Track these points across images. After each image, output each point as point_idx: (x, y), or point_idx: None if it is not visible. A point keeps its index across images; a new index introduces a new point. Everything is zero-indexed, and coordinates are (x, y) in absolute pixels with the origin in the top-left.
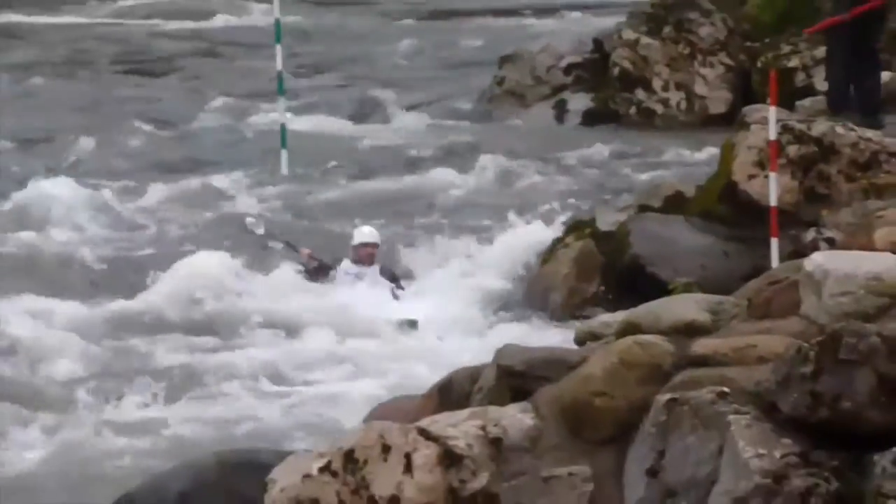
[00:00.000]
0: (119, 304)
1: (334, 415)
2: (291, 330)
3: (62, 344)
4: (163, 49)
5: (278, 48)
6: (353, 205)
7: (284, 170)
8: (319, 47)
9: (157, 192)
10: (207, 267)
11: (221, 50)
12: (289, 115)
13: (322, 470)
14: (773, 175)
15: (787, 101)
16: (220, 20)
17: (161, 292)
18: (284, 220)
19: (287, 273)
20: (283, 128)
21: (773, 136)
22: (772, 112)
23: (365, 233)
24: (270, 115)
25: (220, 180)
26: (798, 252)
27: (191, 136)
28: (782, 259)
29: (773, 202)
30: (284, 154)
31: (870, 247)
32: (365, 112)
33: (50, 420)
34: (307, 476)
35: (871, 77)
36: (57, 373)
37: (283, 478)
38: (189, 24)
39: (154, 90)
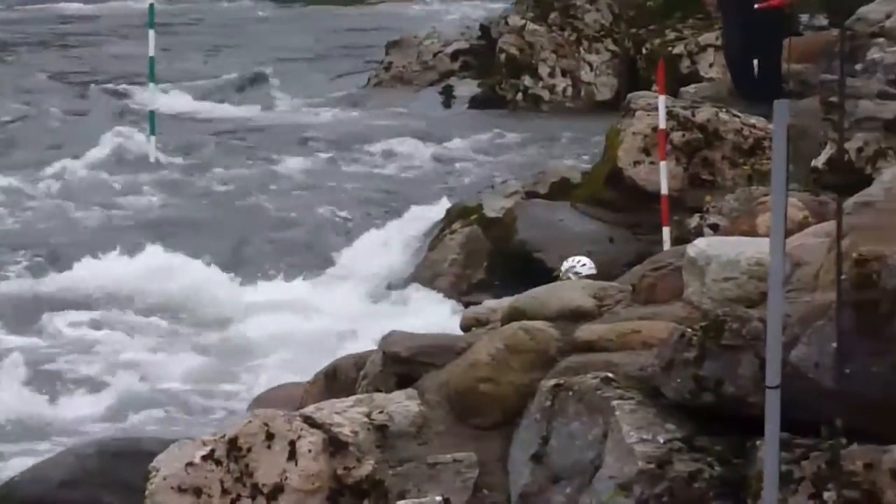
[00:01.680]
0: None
1: (218, 402)
2: (174, 316)
3: None
4: (28, 33)
5: (151, 33)
6: (230, 191)
7: (152, 157)
8: (200, 32)
9: (19, 178)
10: (85, 251)
11: (92, 35)
12: (160, 100)
13: (205, 458)
14: (663, 164)
15: (672, 87)
16: (88, 5)
17: (34, 277)
18: (151, 207)
19: (162, 256)
20: (151, 115)
21: (662, 124)
22: (661, 100)
23: None
24: (140, 102)
25: (85, 168)
26: (683, 238)
27: (56, 123)
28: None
29: (664, 190)
30: (153, 141)
31: (753, 232)
32: (247, 97)
33: None
34: (190, 464)
35: (771, 68)
36: None
37: (165, 466)
38: (59, 7)
39: (21, 76)
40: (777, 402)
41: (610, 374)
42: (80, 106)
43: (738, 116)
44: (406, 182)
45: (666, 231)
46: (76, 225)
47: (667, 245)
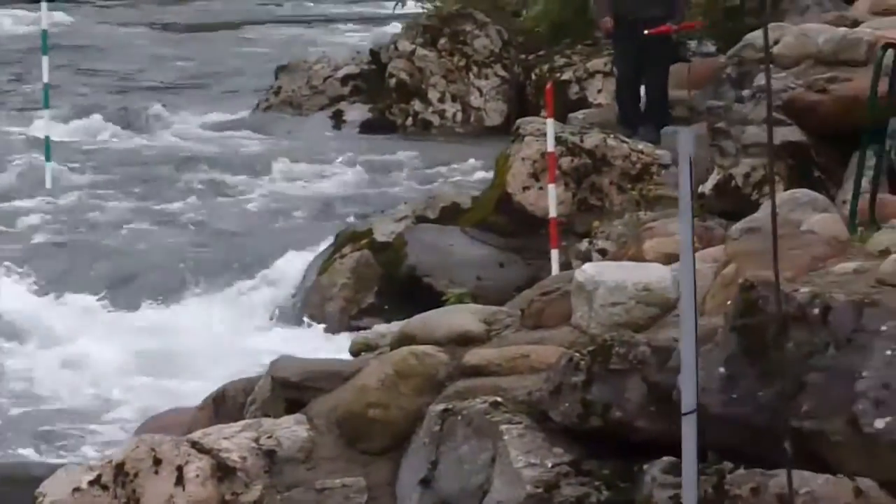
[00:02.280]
0: None
1: (106, 427)
2: (60, 340)
3: None
4: None
5: (45, 60)
6: (123, 217)
7: (48, 184)
8: (92, 58)
9: None
10: None
11: None
12: (57, 127)
13: (92, 483)
14: (551, 187)
15: (560, 113)
16: None
17: None
18: (48, 234)
19: (53, 282)
20: (47, 141)
21: (550, 148)
22: (549, 124)
23: None
24: (35, 129)
25: None
26: (571, 263)
27: None
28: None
29: (552, 213)
30: (49, 168)
31: (640, 258)
32: (139, 122)
33: None
34: (77, 489)
35: (659, 94)
36: None
37: (52, 491)
38: None
39: None
40: (694, 428)
41: (498, 399)
42: None
43: (626, 142)
44: (296, 207)
45: (554, 254)
46: None
47: (555, 268)
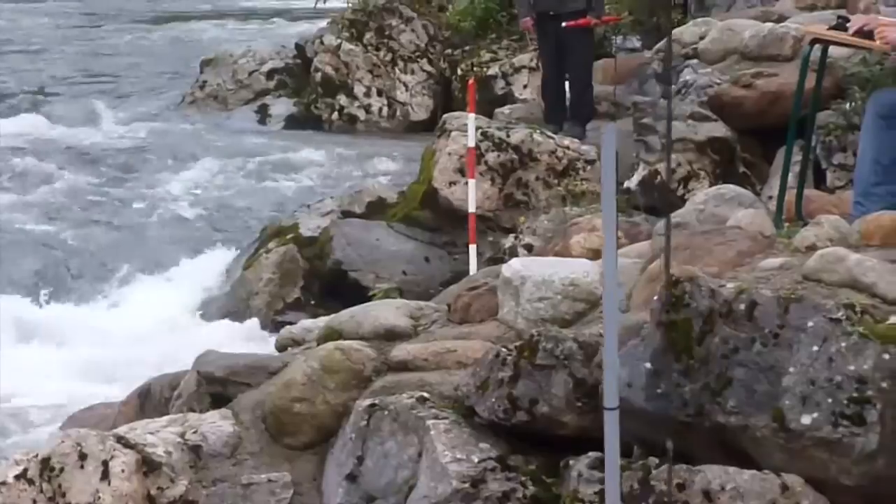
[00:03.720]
0: None
1: (31, 421)
2: None
3: None
4: None
5: None
6: (45, 213)
7: None
8: (13, 54)
9: None
10: None
11: None
12: None
13: (18, 477)
14: (472, 182)
15: (486, 108)
16: None
17: None
18: None
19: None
20: None
21: (471, 143)
22: (471, 119)
23: None
24: None
25: None
26: (497, 258)
27: None
28: (482, 265)
29: (471, 209)
30: None
31: (566, 253)
32: (62, 114)
33: None
34: (2, 483)
35: (582, 89)
36: None
37: None
38: None
39: None
40: (616, 424)
41: (425, 394)
42: None
43: (553, 138)
44: (221, 201)
45: (472, 249)
46: None
47: (473, 263)
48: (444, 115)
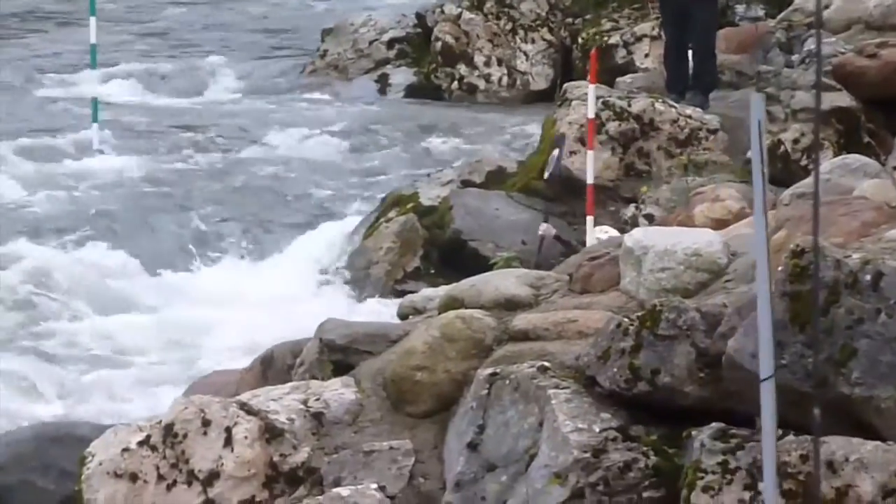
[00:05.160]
0: None
1: (154, 388)
2: (111, 304)
3: None
4: None
5: (93, 21)
6: (169, 178)
7: (96, 145)
8: (137, 20)
9: None
10: (25, 239)
11: (33, 21)
12: (102, 88)
13: (141, 444)
14: (590, 153)
15: (607, 77)
16: None
17: None
18: (94, 196)
19: (101, 244)
20: (94, 102)
21: (591, 114)
22: (591, 90)
23: None
24: (82, 89)
25: (27, 155)
26: (619, 228)
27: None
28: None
29: (589, 180)
30: (95, 128)
31: (689, 223)
32: (185, 84)
33: None
34: (126, 450)
35: (705, 58)
36: None
37: (101, 451)
38: None
39: None
40: (772, 394)
41: (546, 363)
42: (23, 93)
43: (674, 107)
44: (341, 170)
45: (590, 220)
46: (16, 212)
47: (590, 234)
48: (565, 85)
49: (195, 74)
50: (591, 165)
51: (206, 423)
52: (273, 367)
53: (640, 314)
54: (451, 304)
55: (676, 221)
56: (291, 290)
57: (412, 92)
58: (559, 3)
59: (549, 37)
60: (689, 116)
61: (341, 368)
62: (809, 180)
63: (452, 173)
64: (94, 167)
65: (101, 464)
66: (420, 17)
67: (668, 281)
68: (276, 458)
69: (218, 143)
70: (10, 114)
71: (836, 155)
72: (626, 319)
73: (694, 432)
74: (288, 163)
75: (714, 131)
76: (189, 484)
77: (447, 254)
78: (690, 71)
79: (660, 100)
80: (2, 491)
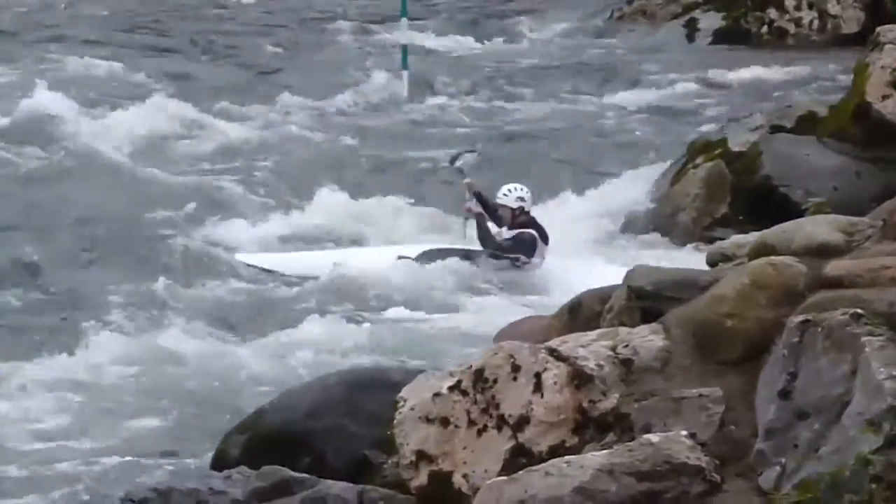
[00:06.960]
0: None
1: (463, 335)
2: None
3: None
4: None
5: None
6: (480, 123)
7: (405, 92)
8: None
9: (281, 111)
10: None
11: None
12: (412, 35)
13: (452, 389)
14: None
15: None
16: None
17: (286, 210)
18: (402, 142)
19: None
20: (404, 49)
21: None
22: None
23: None
24: (393, 36)
25: (342, 102)
26: None
27: (311, 60)
28: None
29: None
30: (406, 75)
31: None
32: (492, 30)
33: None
34: (437, 395)
35: None
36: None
37: (412, 396)
38: None
39: (269, 15)
40: None
41: (859, 311)
42: (329, 43)
43: None
44: (649, 115)
45: None
46: (324, 161)
47: None
48: (878, 28)
49: (502, 21)
50: None
51: (515, 369)
52: (581, 314)
53: None
54: (762, 250)
55: None
56: (599, 237)
57: (720, 37)
58: None
59: None
60: None
61: (650, 315)
62: None
63: (762, 118)
64: (402, 115)
65: (412, 409)
66: None
67: None
68: (585, 404)
69: (525, 89)
70: (322, 64)
71: None
72: None
73: None
74: (595, 109)
75: None
76: (499, 429)
77: (756, 200)
78: None
79: None
80: (314, 435)
